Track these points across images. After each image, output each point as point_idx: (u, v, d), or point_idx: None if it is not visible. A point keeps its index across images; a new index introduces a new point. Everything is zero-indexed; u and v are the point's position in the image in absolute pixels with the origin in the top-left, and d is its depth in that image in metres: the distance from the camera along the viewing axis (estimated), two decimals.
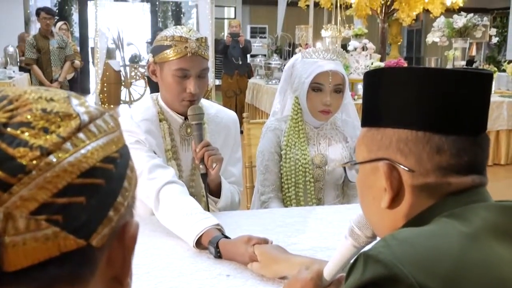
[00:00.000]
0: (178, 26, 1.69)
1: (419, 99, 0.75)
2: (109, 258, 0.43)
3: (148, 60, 1.75)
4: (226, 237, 1.39)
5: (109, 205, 0.41)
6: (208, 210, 1.62)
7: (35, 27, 9.46)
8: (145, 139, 1.64)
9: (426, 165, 0.75)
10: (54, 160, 0.38)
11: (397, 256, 0.64)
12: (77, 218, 0.39)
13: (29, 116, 0.40)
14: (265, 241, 1.32)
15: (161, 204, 1.52)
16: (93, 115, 0.43)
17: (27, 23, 10.83)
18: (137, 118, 1.69)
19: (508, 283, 0.66)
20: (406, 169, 0.75)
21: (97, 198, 0.40)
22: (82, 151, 0.40)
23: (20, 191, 0.37)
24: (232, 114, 1.90)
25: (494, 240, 0.69)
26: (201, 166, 1.63)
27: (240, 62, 7.61)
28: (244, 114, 2.38)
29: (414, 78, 0.77)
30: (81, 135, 0.41)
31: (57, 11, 11.45)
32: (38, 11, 6.30)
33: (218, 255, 1.36)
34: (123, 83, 10.23)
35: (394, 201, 0.77)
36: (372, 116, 0.82)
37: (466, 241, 0.67)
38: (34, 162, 0.38)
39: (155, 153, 1.65)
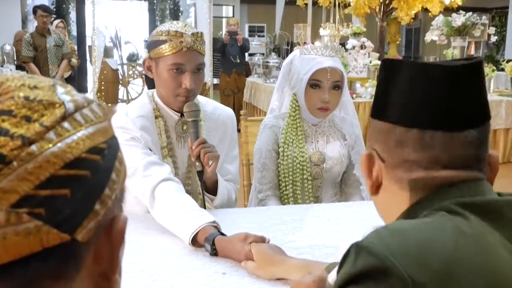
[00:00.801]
0: (174, 21, 1.68)
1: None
2: (96, 254, 0.41)
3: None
4: (223, 234, 1.37)
5: (95, 198, 0.39)
6: (205, 208, 1.61)
7: (32, 25, 9.40)
8: (141, 136, 1.62)
9: (423, 159, 0.74)
10: (36, 150, 0.36)
11: (389, 248, 0.64)
12: (61, 212, 0.37)
13: (10, 104, 0.38)
14: (262, 240, 1.31)
15: (157, 202, 1.50)
16: (79, 104, 0.41)
17: (24, 21, 10.80)
18: (133, 115, 1.67)
19: (501, 278, 0.65)
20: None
21: (82, 190, 0.38)
22: (67, 140, 0.38)
23: (0, 183, 0.35)
24: (229, 111, 1.88)
25: (489, 233, 0.68)
26: (197, 163, 1.61)
27: (238, 61, 7.59)
28: (242, 112, 2.36)
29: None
30: (65, 124, 0.39)
31: (54, 9, 11.42)
32: (35, 9, 6.28)
33: (214, 253, 1.34)
34: (120, 82, 10.20)
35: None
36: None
37: (461, 234, 0.66)
38: (15, 152, 0.36)
39: (150, 150, 1.63)
